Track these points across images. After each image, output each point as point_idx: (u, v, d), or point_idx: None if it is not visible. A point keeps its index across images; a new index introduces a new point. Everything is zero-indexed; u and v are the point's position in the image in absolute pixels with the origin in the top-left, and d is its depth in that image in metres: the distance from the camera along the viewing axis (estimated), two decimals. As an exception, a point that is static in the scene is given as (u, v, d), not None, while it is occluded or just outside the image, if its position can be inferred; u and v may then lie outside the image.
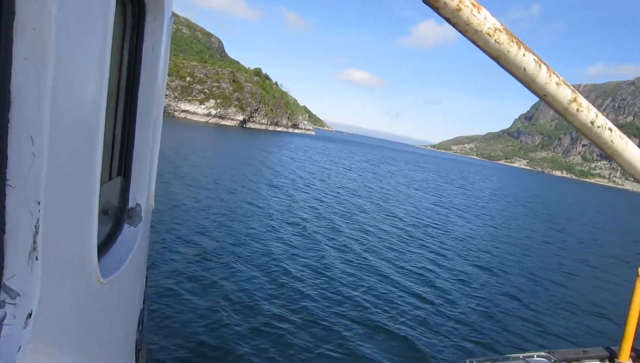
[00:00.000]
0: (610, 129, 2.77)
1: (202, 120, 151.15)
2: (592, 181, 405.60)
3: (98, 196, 1.48)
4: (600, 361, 9.98)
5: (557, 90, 2.46)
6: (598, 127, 2.70)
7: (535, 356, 8.49)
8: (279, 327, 12.86)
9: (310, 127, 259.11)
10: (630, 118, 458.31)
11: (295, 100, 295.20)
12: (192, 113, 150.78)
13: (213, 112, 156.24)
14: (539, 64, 2.35)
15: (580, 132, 2.76)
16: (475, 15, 2.10)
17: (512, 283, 22.95)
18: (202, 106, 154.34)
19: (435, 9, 2.04)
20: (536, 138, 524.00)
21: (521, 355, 8.26)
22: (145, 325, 3.07)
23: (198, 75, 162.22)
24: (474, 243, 30.91)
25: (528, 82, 2.40)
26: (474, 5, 2.09)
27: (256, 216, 26.75)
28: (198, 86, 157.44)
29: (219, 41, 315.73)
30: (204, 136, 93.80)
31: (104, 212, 1.67)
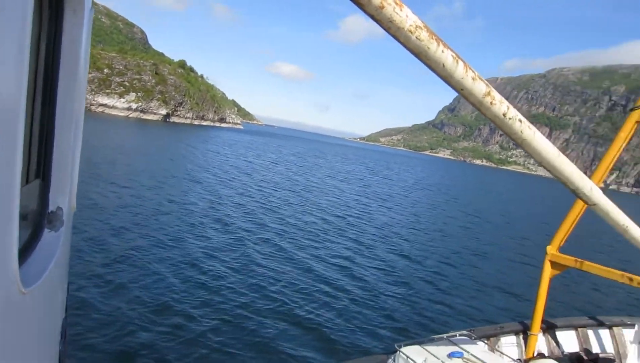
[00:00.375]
0: (520, 121, 2.96)
1: (121, 114, 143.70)
2: (509, 168, 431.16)
3: (18, 201, 1.41)
4: (515, 334, 10.31)
5: (473, 84, 2.59)
6: (509, 118, 2.87)
7: (457, 335, 8.62)
8: (201, 326, 12.45)
9: (239, 121, 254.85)
10: (542, 109, 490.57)
11: (223, 93, 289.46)
12: (111, 107, 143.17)
13: (134, 106, 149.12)
14: (457, 60, 2.46)
15: (494, 123, 2.91)
16: (397, 13, 2.18)
17: (433, 268, 23.33)
18: (122, 100, 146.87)
19: (360, 6, 2.12)
20: (458, 128, 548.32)
21: (445, 335, 8.40)
22: (67, 335, 2.79)
23: (117, 67, 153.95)
24: (396, 232, 31.31)
25: (447, 77, 2.51)
26: (397, 3, 2.17)
27: (178, 213, 25.75)
28: (117, 79, 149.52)
29: (142, 32, 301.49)
30: (123, 131, 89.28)
31: (22, 217, 1.64)
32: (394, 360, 7.42)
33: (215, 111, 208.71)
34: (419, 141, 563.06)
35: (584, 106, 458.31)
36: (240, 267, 18.03)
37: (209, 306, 13.82)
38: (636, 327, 8.49)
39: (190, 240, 20.79)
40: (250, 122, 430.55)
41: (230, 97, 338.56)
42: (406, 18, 2.23)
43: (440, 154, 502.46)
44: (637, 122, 8.35)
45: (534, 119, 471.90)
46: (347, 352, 12.52)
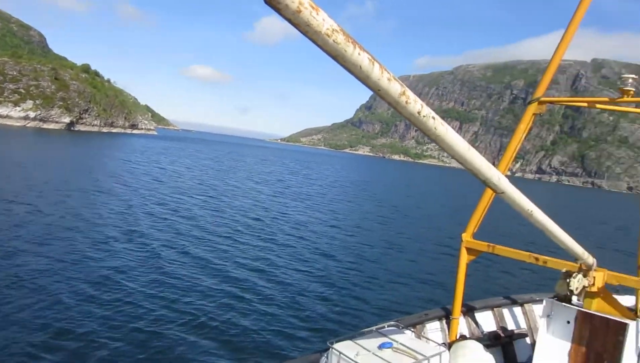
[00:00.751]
0: (434, 118, 3.11)
1: (17, 124, 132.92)
2: (425, 161, 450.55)
3: None
4: (439, 320, 10.65)
5: (389, 85, 2.71)
6: (424, 116, 3.01)
7: (386, 326, 8.65)
8: (110, 338, 11.91)
9: (152, 127, 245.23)
10: (452, 104, 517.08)
11: (135, 99, 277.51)
12: (5, 117, 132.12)
13: (32, 114, 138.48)
14: (372, 62, 2.57)
15: (410, 121, 3.08)
16: (314, 17, 2.26)
17: (356, 264, 23.57)
18: (17, 108, 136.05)
19: (278, 10, 2.18)
20: (376, 126, 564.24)
21: (374, 328, 8.40)
22: None
23: (10, 72, 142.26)
24: (316, 230, 31.42)
25: (364, 79, 2.62)
26: (313, 7, 2.25)
27: (84, 228, 23.89)
28: (10, 85, 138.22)
29: (40, 35, 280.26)
30: (20, 142, 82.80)
31: None
32: (327, 358, 7.47)
33: (125, 117, 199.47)
34: (339, 140, 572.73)
35: (489, 100, 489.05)
36: (154, 280, 16.96)
37: (120, 329, 12.79)
38: (544, 302, 9.09)
39: (95, 255, 19.37)
40: (165, 127, 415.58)
41: (143, 102, 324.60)
42: (323, 22, 2.29)
43: (360, 152, 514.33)
44: (534, 114, 8.93)
45: (445, 114, 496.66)
46: (280, 356, 12.37)
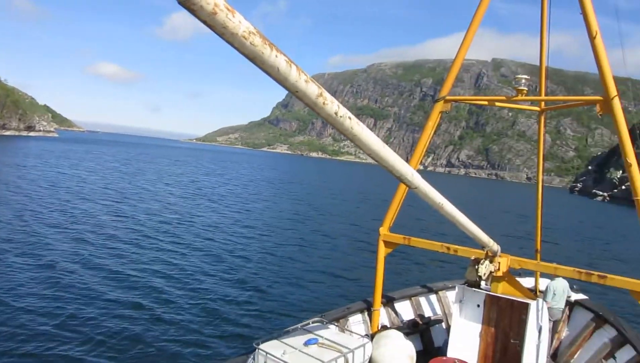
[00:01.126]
0: (350, 118, 3.20)
1: None
2: (343, 158, 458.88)
3: None
4: (360, 313, 10.93)
5: (307, 87, 2.76)
6: (341, 116, 3.09)
7: (310, 322, 8.75)
8: None
9: (52, 129, 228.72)
10: (366, 101, 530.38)
11: (33, 99, 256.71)
12: None
13: None
14: (290, 64, 2.59)
15: (328, 121, 3.16)
16: (230, 19, 2.25)
17: (275, 263, 23.45)
18: None
19: (192, 12, 2.15)
20: (293, 123, 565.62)
21: (299, 325, 8.45)
22: None
23: None
24: (229, 231, 30.67)
25: (282, 81, 2.64)
26: (229, 10, 2.24)
27: None
28: None
29: None
30: None
31: None
32: (254, 359, 7.48)
33: (20, 119, 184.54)
34: (257, 138, 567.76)
35: (401, 98, 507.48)
36: (49, 295, 15.70)
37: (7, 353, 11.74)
38: (456, 288, 9.69)
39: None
40: (68, 129, 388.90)
41: (42, 102, 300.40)
42: (239, 24, 2.29)
43: (278, 150, 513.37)
44: (440, 112, 9.47)
45: (360, 111, 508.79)
46: (208, 357, 12.17)
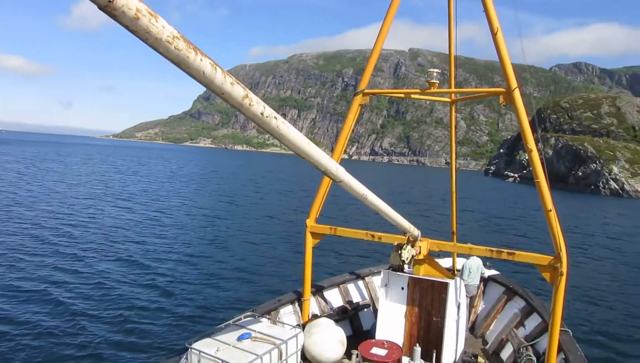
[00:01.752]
0: (276, 118, 3.27)
1: None
2: (268, 150, 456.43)
3: None
4: (291, 304, 11.10)
5: (232, 89, 2.79)
6: (267, 116, 3.15)
7: (242, 317, 8.73)
8: None
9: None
10: (289, 92, 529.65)
11: None
12: None
13: None
14: (215, 68, 2.60)
15: (254, 121, 3.19)
16: (153, 24, 2.22)
17: (201, 261, 22.81)
18: None
19: (113, 17, 2.10)
20: (216, 116, 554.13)
21: (231, 321, 8.40)
22: None
23: None
24: (144, 231, 29.28)
25: (208, 84, 2.66)
26: (152, 15, 2.20)
27: None
28: None
29: None
30: None
31: None
32: (186, 359, 7.44)
33: None
34: (178, 133, 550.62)
35: (323, 88, 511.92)
36: None
37: None
38: (381, 273, 10.12)
39: None
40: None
41: None
42: (163, 29, 2.26)
43: (201, 144, 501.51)
44: (360, 105, 9.81)
45: (283, 103, 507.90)
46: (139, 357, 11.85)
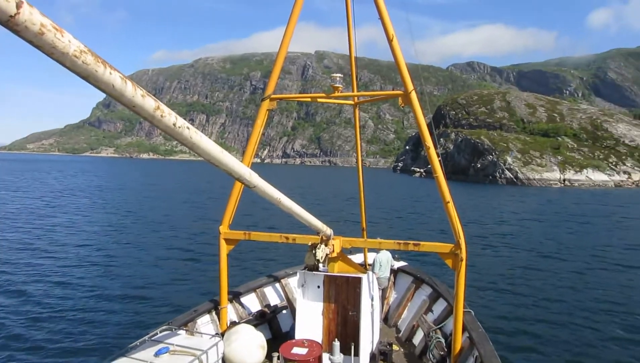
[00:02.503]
0: (188, 128, 3.27)
1: None
2: (177, 157, 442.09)
3: None
4: (208, 313, 10.87)
5: (143, 101, 2.75)
6: (179, 127, 3.15)
7: (158, 332, 8.38)
8: None
9: None
10: (196, 97, 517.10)
11: None
12: None
13: None
14: (125, 81, 2.57)
15: (167, 133, 3.17)
16: (59, 39, 2.18)
17: (109, 278, 21.29)
18: None
19: (16, 32, 2.05)
20: (118, 124, 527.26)
21: (147, 337, 8.08)
22: None
23: None
24: (36, 253, 26.76)
25: (118, 97, 2.61)
26: (57, 29, 2.16)
27: None
28: None
29: None
30: None
31: None
32: None
33: None
34: (76, 143, 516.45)
35: (232, 92, 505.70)
36: None
37: None
38: (297, 274, 10.30)
39: None
40: None
41: None
42: (69, 43, 2.23)
43: (103, 154, 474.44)
44: (267, 110, 9.93)
45: (191, 108, 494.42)
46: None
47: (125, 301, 18.16)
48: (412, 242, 9.54)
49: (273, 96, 9.80)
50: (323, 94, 10.16)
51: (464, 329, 9.50)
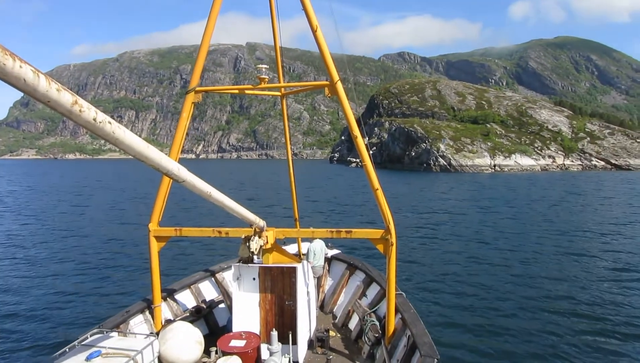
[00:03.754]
0: (110, 123, 3.16)
1: None
2: (107, 156, 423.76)
3: None
4: (141, 313, 10.56)
5: (59, 96, 2.64)
6: (100, 122, 3.03)
7: (89, 336, 7.96)
8: None
9: None
10: (123, 93, 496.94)
11: None
12: None
13: None
14: (37, 74, 2.48)
15: (87, 129, 3.06)
16: None
17: (32, 282, 20.08)
18: None
19: None
20: (39, 124, 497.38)
21: (76, 343, 7.59)
22: None
23: None
24: None
25: (31, 92, 2.52)
26: None
27: None
28: None
29: None
30: None
31: None
32: None
33: None
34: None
35: (161, 86, 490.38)
36: None
37: None
38: (232, 267, 10.25)
39: None
40: None
41: None
42: None
43: (24, 156, 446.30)
44: (193, 103, 9.75)
45: (118, 104, 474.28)
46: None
47: (51, 306, 17.18)
48: (344, 230, 9.74)
49: (198, 89, 9.62)
50: (250, 86, 10.08)
51: (397, 311, 9.85)
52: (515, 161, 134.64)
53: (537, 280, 20.29)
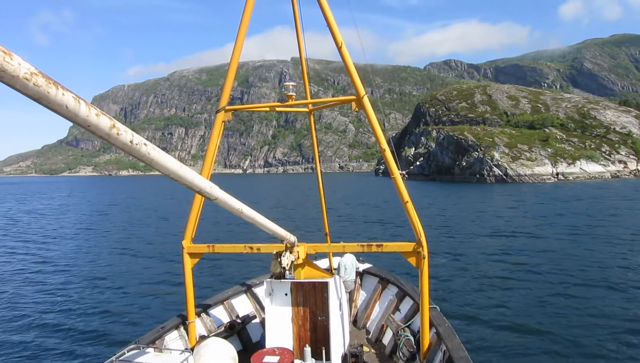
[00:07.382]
0: (146, 144, 3.26)
1: None
2: (157, 173, 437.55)
3: None
4: (176, 329, 10.78)
5: (98, 120, 2.74)
6: (136, 144, 3.13)
7: (126, 351, 8.20)
8: None
9: None
10: (174, 110, 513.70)
11: None
12: None
13: None
14: (78, 101, 2.57)
15: (124, 150, 3.17)
16: (8, 62, 2.16)
17: (73, 296, 20.73)
18: None
19: None
20: (96, 142, 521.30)
21: (114, 358, 7.72)
22: None
23: None
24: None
25: (72, 117, 2.61)
26: (5, 53, 2.15)
27: None
28: None
29: None
30: None
31: None
32: None
33: None
34: (54, 163, 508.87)
35: (209, 103, 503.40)
36: None
37: None
38: (264, 283, 10.29)
39: None
40: None
41: None
42: (19, 66, 2.21)
43: (82, 173, 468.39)
44: (223, 121, 9.95)
45: (168, 122, 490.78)
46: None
47: (90, 322, 17.68)
48: (375, 244, 9.61)
49: (228, 108, 9.81)
50: (278, 103, 10.21)
51: (431, 325, 9.61)
52: (581, 168, 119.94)
53: (609, 308, 17.35)
